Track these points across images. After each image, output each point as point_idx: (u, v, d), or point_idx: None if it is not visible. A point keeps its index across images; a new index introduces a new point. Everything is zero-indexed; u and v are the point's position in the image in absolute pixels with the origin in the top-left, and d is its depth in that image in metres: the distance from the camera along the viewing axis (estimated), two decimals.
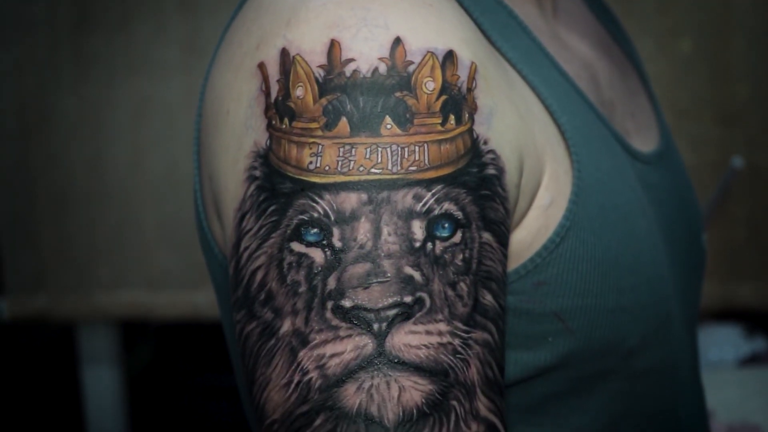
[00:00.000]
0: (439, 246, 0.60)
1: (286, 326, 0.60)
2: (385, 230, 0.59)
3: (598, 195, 0.73)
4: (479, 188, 0.62)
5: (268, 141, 0.62)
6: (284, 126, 0.61)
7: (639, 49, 1.02)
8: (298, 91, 0.61)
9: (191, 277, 1.87)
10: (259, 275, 0.62)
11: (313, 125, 0.61)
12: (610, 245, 0.72)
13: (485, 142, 0.63)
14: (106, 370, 2.05)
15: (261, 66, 0.63)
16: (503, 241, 0.64)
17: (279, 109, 0.62)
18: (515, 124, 0.66)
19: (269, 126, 0.62)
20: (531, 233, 0.69)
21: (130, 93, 1.82)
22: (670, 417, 0.82)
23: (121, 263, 1.87)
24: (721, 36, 1.78)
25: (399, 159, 0.60)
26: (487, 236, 0.63)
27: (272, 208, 0.61)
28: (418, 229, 0.60)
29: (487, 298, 0.62)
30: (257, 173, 0.62)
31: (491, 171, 0.63)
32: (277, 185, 0.61)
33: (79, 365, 2.06)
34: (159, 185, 1.84)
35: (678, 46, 1.79)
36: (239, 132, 0.65)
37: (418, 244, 0.60)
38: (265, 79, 0.63)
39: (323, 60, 0.61)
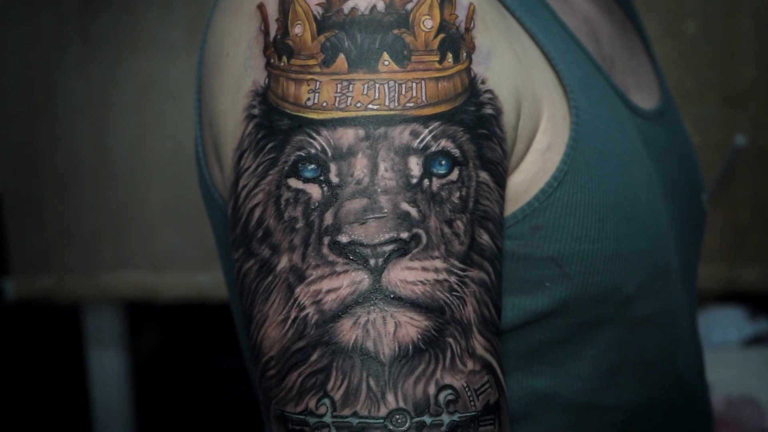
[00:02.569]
0: (436, 183, 0.61)
1: (283, 263, 0.60)
2: (381, 166, 0.60)
3: (596, 141, 0.73)
4: (476, 127, 0.62)
5: (267, 79, 0.62)
6: (282, 64, 0.62)
7: None
8: (297, 29, 0.61)
9: (196, 258, 1.87)
10: (257, 212, 0.62)
11: (311, 62, 0.61)
12: (607, 191, 0.72)
13: (483, 82, 0.63)
14: (112, 353, 2.05)
15: (260, 6, 0.64)
16: (500, 181, 0.64)
17: (277, 47, 0.62)
18: (513, 67, 0.66)
19: (268, 64, 0.63)
20: (528, 177, 0.69)
21: (136, 73, 1.83)
22: (669, 367, 0.82)
23: (125, 244, 1.88)
24: (726, 17, 1.78)
25: (396, 95, 0.60)
26: (484, 175, 0.63)
27: (270, 145, 0.62)
28: (415, 165, 0.60)
29: (484, 238, 0.62)
30: (255, 111, 0.63)
31: (489, 110, 0.63)
32: (275, 122, 0.61)
33: (85, 348, 2.06)
34: (164, 166, 1.85)
35: (683, 27, 1.79)
36: (238, 73, 0.65)
37: (414, 181, 0.60)
38: (264, 18, 0.63)
39: None
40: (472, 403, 0.59)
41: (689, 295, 0.87)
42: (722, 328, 1.76)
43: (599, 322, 0.74)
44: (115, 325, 2.05)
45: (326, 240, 0.59)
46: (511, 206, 0.69)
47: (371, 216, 0.59)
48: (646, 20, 1.72)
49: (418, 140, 0.60)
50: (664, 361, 0.81)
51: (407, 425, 0.57)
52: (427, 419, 0.58)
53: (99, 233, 1.87)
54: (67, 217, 1.87)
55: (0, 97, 1.84)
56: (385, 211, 0.59)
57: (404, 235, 0.59)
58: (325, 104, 0.60)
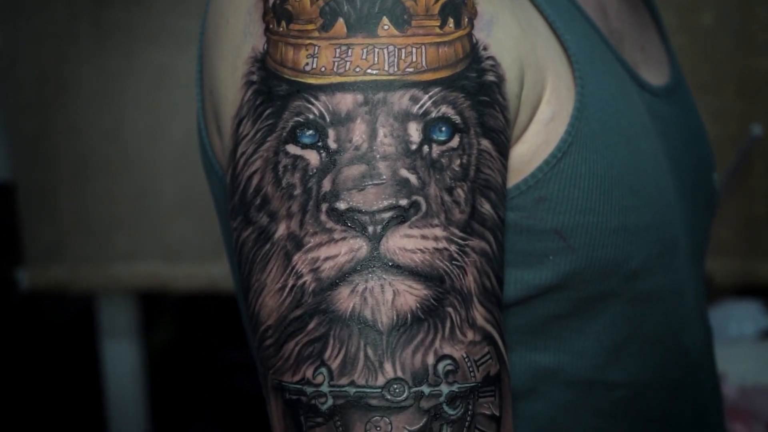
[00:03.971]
0: (436, 150, 0.59)
1: (281, 230, 0.59)
2: (380, 132, 0.59)
3: (602, 113, 0.71)
4: (478, 94, 0.61)
5: (266, 45, 0.62)
6: (281, 29, 0.61)
7: None
8: None
9: (209, 249, 1.87)
10: (255, 180, 0.61)
11: (310, 27, 0.60)
12: (612, 164, 0.71)
13: (485, 48, 0.62)
14: (126, 345, 2.05)
15: None
16: (503, 150, 0.63)
17: (276, 13, 0.61)
18: (516, 35, 0.65)
19: (267, 30, 0.62)
20: (532, 148, 0.68)
21: (149, 63, 1.82)
22: (675, 345, 0.80)
23: (138, 234, 1.88)
24: (742, 9, 1.76)
25: (396, 60, 0.59)
26: (485, 144, 0.62)
27: (268, 111, 0.61)
28: (414, 131, 0.59)
29: (485, 207, 0.61)
30: (254, 78, 0.62)
31: (491, 77, 0.62)
32: (273, 88, 0.61)
33: (98, 340, 2.06)
34: (177, 156, 1.85)
35: (700, 18, 1.77)
36: (238, 40, 0.64)
37: (414, 147, 0.59)
38: None
39: None
40: (472, 374, 0.58)
41: (697, 273, 0.86)
42: (738, 321, 1.75)
43: (604, 297, 0.73)
44: (129, 316, 2.05)
45: (324, 207, 0.58)
46: (515, 177, 0.68)
47: (370, 182, 0.58)
48: (663, 11, 1.70)
49: (417, 106, 0.59)
50: (670, 338, 0.80)
51: (405, 395, 0.56)
52: (426, 389, 0.57)
53: (112, 223, 1.87)
54: (80, 208, 1.87)
55: (13, 88, 1.85)
56: (384, 177, 0.58)
57: (403, 202, 0.58)
58: (323, 69, 0.60)
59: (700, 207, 0.87)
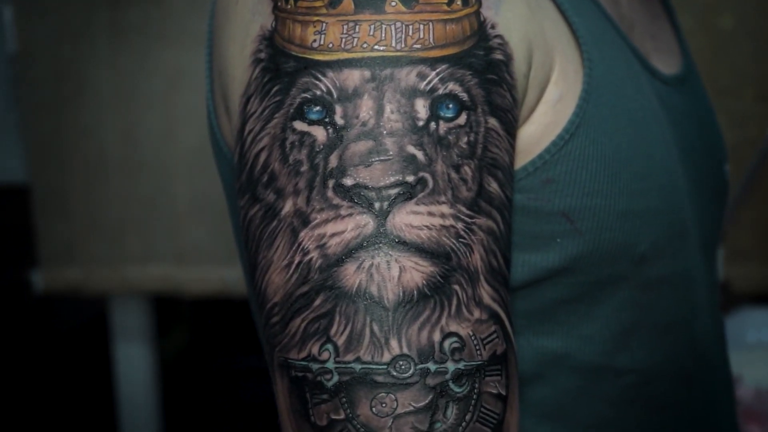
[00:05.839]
0: (443, 126, 0.59)
1: (288, 207, 0.59)
2: (387, 108, 0.58)
3: (610, 96, 0.71)
4: (485, 72, 0.61)
5: (274, 23, 0.62)
6: (289, 6, 0.61)
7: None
8: None
9: (221, 252, 1.87)
10: (262, 157, 0.61)
11: (318, 3, 0.60)
12: (620, 146, 0.71)
13: (493, 27, 0.62)
14: (139, 349, 2.05)
15: None
16: (510, 130, 0.63)
17: None
18: (524, 15, 0.65)
19: (275, 8, 0.62)
20: (539, 129, 0.68)
21: (165, 65, 1.83)
22: (685, 333, 0.79)
23: (152, 236, 1.88)
24: (762, 12, 1.75)
25: (403, 36, 0.59)
26: (493, 122, 0.61)
27: (276, 88, 0.61)
28: (421, 107, 0.59)
29: (493, 186, 0.61)
30: (262, 55, 0.62)
31: (498, 56, 0.62)
32: (281, 65, 0.60)
33: (112, 343, 2.06)
34: (192, 158, 1.85)
35: (719, 22, 1.76)
36: (247, 19, 0.64)
37: (421, 123, 0.58)
38: None
39: None
40: (479, 353, 0.57)
41: (709, 264, 0.85)
42: (756, 328, 1.74)
43: (612, 281, 0.72)
44: (142, 320, 2.05)
45: (331, 183, 0.58)
46: (522, 159, 0.67)
47: (376, 158, 0.57)
48: (681, 14, 1.69)
49: (424, 82, 0.59)
50: (680, 326, 0.79)
51: (411, 371, 0.56)
52: (432, 366, 0.56)
53: (125, 226, 1.88)
54: (94, 210, 1.88)
55: (29, 88, 1.85)
56: (391, 153, 0.58)
57: (410, 178, 0.57)
58: (331, 45, 0.59)
59: (710, 197, 0.86)
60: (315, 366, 0.57)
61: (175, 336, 2.59)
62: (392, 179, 0.57)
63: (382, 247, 0.57)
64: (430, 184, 0.58)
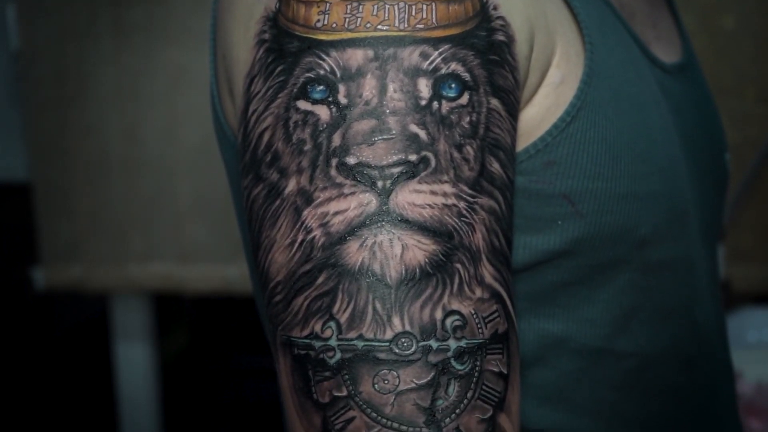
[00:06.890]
0: (446, 106, 0.59)
1: (291, 186, 0.59)
2: (390, 87, 0.59)
3: (611, 80, 0.71)
4: (488, 53, 0.61)
5: (278, 4, 0.62)
6: None
7: None
8: None
9: (223, 250, 1.87)
10: (266, 136, 0.61)
11: None
12: (622, 130, 0.71)
13: (495, 8, 0.62)
14: (140, 348, 2.05)
15: None
16: (512, 111, 0.63)
17: None
18: None
19: None
20: (541, 111, 0.68)
21: (168, 63, 1.83)
22: (686, 318, 0.79)
23: (154, 235, 1.88)
24: (764, 12, 1.75)
25: (406, 16, 0.60)
26: (495, 103, 0.61)
27: (280, 68, 0.61)
28: (424, 87, 0.59)
29: (495, 166, 0.61)
30: (266, 36, 0.62)
31: (500, 37, 0.62)
32: (284, 45, 0.61)
33: (112, 342, 2.06)
34: (194, 156, 1.85)
35: (720, 22, 1.77)
36: (251, 1, 0.65)
37: (424, 102, 0.59)
38: None
39: None
40: (480, 331, 0.58)
41: (710, 252, 0.85)
42: (757, 328, 1.74)
43: (613, 264, 0.72)
44: (143, 319, 2.05)
45: (334, 162, 0.58)
46: (524, 141, 0.68)
47: (379, 137, 0.58)
48: (684, 15, 1.70)
49: (427, 62, 0.59)
50: (681, 310, 0.79)
51: (413, 349, 0.56)
52: (434, 343, 0.56)
53: (128, 224, 1.88)
54: (96, 208, 1.88)
55: (32, 86, 1.86)
56: (394, 132, 0.58)
57: (413, 157, 0.58)
58: (334, 25, 0.60)
59: (710, 184, 0.86)
60: (318, 343, 0.57)
61: (176, 335, 2.59)
62: (395, 158, 0.58)
63: (384, 225, 0.57)
64: (433, 163, 0.58)
